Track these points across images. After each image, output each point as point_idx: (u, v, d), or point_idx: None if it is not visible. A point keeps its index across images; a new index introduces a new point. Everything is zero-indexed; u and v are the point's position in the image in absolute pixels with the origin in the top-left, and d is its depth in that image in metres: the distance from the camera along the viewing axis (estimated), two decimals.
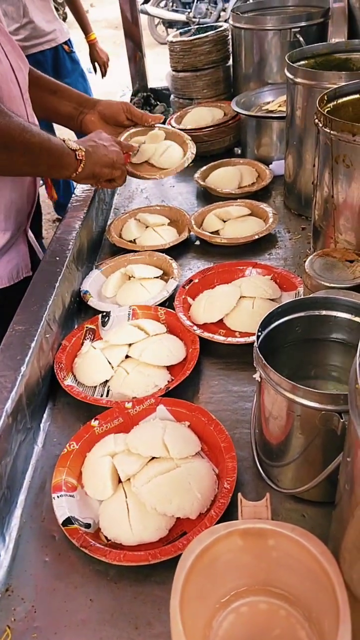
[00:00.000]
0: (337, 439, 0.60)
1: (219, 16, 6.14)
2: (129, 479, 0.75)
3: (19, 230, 1.19)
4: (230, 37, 1.77)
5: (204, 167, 1.53)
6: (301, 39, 1.52)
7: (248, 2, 1.88)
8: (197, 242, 1.32)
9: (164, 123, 1.45)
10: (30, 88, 1.15)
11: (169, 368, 0.96)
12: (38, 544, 0.73)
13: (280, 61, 1.60)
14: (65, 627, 0.64)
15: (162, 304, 1.09)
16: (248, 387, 0.91)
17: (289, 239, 1.28)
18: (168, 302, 1.10)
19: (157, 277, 1.18)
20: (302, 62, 1.31)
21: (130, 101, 2.12)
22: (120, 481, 0.76)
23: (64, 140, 1.08)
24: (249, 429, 0.82)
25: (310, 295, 0.80)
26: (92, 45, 3.21)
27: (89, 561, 0.69)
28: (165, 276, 1.19)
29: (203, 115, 1.71)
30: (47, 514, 0.76)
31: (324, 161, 0.97)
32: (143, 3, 6.74)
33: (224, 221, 1.32)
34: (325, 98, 1.00)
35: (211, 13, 6.28)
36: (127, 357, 0.98)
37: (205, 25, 1.96)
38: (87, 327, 1.05)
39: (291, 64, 1.22)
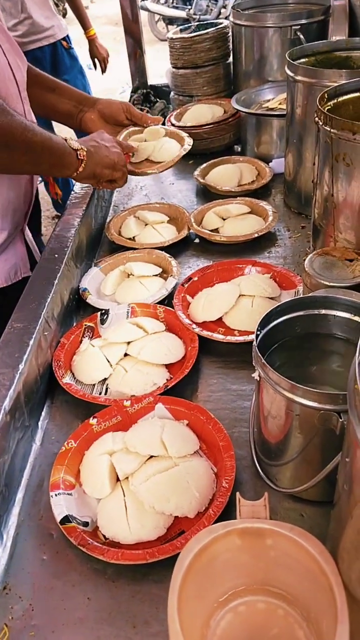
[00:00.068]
0: (336, 438, 0.60)
1: (220, 13, 6.12)
2: (127, 478, 0.75)
3: (16, 229, 1.19)
4: (230, 34, 1.77)
5: (204, 165, 1.52)
6: (302, 36, 1.52)
7: None
8: (197, 240, 1.32)
9: (163, 121, 1.45)
10: (29, 86, 1.15)
11: (168, 366, 0.96)
12: (36, 542, 0.73)
13: (280, 59, 1.60)
14: (63, 626, 0.64)
15: (161, 302, 1.09)
16: (247, 385, 0.91)
17: (289, 237, 1.28)
18: (167, 300, 1.10)
19: (156, 275, 1.18)
20: (302, 60, 1.30)
21: (130, 98, 2.11)
22: (118, 480, 0.76)
23: (65, 140, 1.07)
24: (248, 428, 0.82)
25: (310, 294, 0.79)
26: (92, 41, 3.20)
27: (86, 559, 0.69)
28: (164, 274, 1.19)
29: (203, 113, 1.71)
30: (45, 512, 0.75)
31: (324, 159, 0.96)
32: None
33: (224, 219, 1.32)
34: (326, 96, 1.00)
35: (212, 10, 6.26)
36: (125, 355, 0.98)
37: (205, 22, 1.96)
38: (85, 325, 1.05)
39: (291, 61, 1.22)
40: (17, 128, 0.96)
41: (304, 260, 0.91)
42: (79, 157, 1.09)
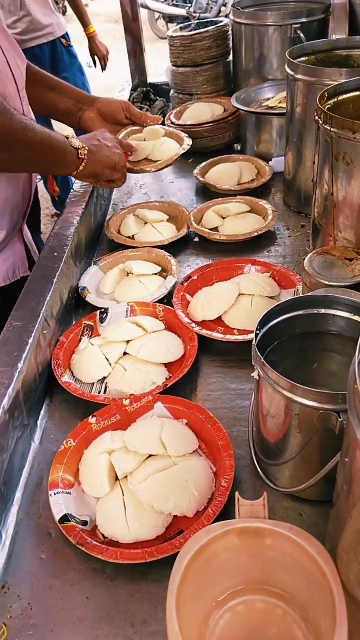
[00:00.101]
0: (335, 438, 0.60)
1: (220, 11, 6.10)
2: (126, 477, 0.75)
3: (15, 229, 1.19)
4: (230, 32, 1.77)
5: (204, 164, 1.52)
6: (302, 35, 1.51)
7: None
8: (196, 239, 1.32)
9: (163, 121, 1.45)
10: (29, 84, 1.15)
11: (167, 365, 0.96)
12: (34, 542, 0.72)
13: (280, 57, 1.59)
14: (62, 625, 0.64)
15: (160, 301, 1.09)
16: (246, 384, 0.91)
17: (289, 236, 1.28)
18: (167, 299, 1.10)
19: (155, 274, 1.18)
20: (302, 59, 1.30)
21: (130, 96, 2.11)
22: (117, 479, 0.76)
23: (67, 138, 1.07)
24: (247, 427, 0.82)
25: (309, 294, 0.79)
26: (92, 39, 3.19)
27: (85, 559, 0.69)
28: (164, 273, 1.19)
29: (203, 111, 1.71)
30: (44, 512, 0.75)
31: (324, 159, 0.96)
32: None
33: (223, 218, 1.31)
34: (326, 95, 1.00)
35: (212, 8, 6.25)
36: (125, 354, 0.98)
37: (205, 21, 1.95)
38: (85, 324, 1.05)
39: (292, 60, 1.21)
40: (17, 128, 0.96)
41: (304, 259, 0.91)
42: (80, 156, 1.09)
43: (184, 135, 1.43)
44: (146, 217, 1.35)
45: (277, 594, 0.57)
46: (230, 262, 1.15)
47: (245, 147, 1.63)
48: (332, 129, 0.91)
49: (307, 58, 1.31)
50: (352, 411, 0.44)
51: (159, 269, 1.19)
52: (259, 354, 0.67)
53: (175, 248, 1.26)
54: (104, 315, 1.06)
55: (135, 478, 0.74)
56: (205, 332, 0.98)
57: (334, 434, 0.61)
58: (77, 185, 1.39)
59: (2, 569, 0.69)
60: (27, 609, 0.65)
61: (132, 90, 2.16)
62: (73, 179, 1.22)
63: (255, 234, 1.22)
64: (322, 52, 1.32)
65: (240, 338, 0.96)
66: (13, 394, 0.79)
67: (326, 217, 1.01)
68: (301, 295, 0.87)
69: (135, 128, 1.39)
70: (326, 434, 0.62)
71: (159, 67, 2.65)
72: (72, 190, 1.38)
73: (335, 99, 1.02)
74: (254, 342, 0.68)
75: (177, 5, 6.83)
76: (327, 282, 0.84)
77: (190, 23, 1.96)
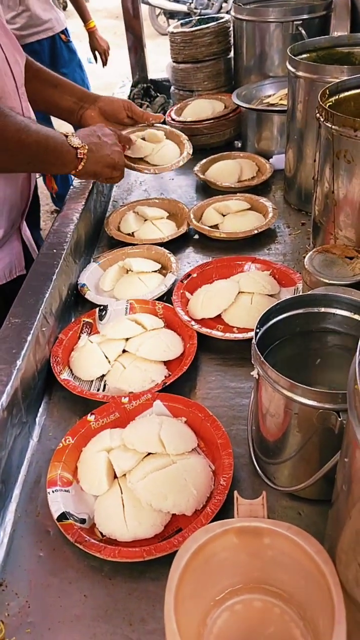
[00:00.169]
0: (335, 437, 0.60)
1: (221, 7, 6.08)
2: (124, 475, 0.75)
3: (13, 227, 1.18)
4: (231, 28, 1.76)
5: (204, 160, 1.52)
6: (303, 31, 1.51)
7: None
8: (196, 236, 1.31)
9: (164, 120, 1.44)
10: (31, 81, 1.14)
11: (166, 363, 0.96)
12: (32, 539, 0.72)
13: (282, 54, 1.59)
14: (59, 623, 0.64)
15: (160, 299, 1.08)
16: (245, 383, 0.91)
17: (289, 234, 1.28)
18: (166, 297, 1.09)
19: (155, 271, 1.18)
20: (304, 56, 1.29)
21: (130, 92, 2.10)
22: (115, 477, 0.76)
23: (66, 136, 1.06)
24: (246, 426, 0.82)
25: (309, 292, 0.79)
26: (92, 34, 3.18)
27: (83, 557, 0.69)
28: (163, 270, 1.18)
29: (203, 108, 1.70)
30: (42, 509, 0.75)
31: (325, 156, 0.96)
32: None
33: (223, 215, 1.31)
34: (327, 92, 0.99)
35: (213, 4, 6.22)
36: (124, 351, 0.97)
37: (206, 17, 1.95)
38: (84, 321, 1.05)
39: (293, 57, 1.21)
40: (10, 130, 0.95)
41: (304, 257, 0.91)
42: (79, 155, 1.08)
43: (184, 137, 1.42)
44: (146, 214, 1.35)
45: (275, 593, 0.57)
46: (230, 260, 1.14)
47: (246, 144, 1.62)
48: (333, 127, 0.90)
49: (308, 55, 1.30)
50: (352, 411, 0.44)
51: (158, 266, 1.19)
52: (258, 352, 0.67)
53: (174, 245, 1.25)
54: (103, 313, 1.06)
55: (133, 476, 0.73)
56: (204, 330, 0.97)
57: (333, 433, 0.61)
58: (76, 181, 1.39)
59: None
60: (24, 607, 0.65)
61: (132, 86, 2.16)
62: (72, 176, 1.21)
63: (255, 231, 1.22)
64: (324, 49, 1.31)
65: (240, 336, 0.95)
66: (11, 391, 0.79)
67: (327, 215, 1.01)
68: (301, 293, 0.87)
69: (135, 128, 1.39)
70: (325, 433, 0.62)
71: (160, 63, 2.64)
72: (71, 187, 1.38)
73: (337, 96, 1.01)
74: (253, 341, 0.68)
75: (177, 1, 6.80)
76: (327, 281, 0.84)
77: (191, 19, 1.95)
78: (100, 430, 0.82)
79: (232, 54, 1.81)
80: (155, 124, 1.42)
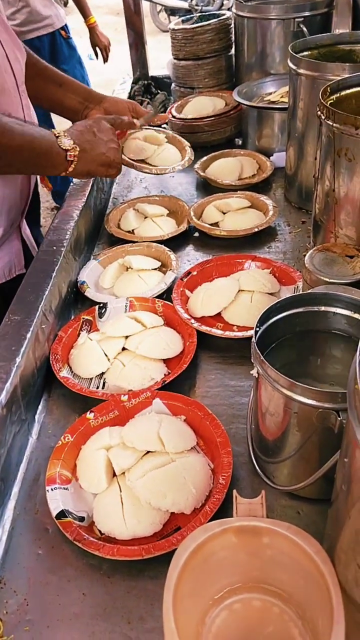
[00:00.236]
0: (334, 436, 0.60)
1: (222, 4, 6.05)
2: (123, 473, 0.75)
3: (12, 226, 1.17)
4: (232, 25, 1.75)
5: (204, 158, 1.51)
6: (305, 29, 1.50)
7: None
8: (196, 234, 1.31)
9: (168, 119, 1.43)
10: (36, 79, 1.13)
11: (166, 361, 0.95)
12: (31, 537, 0.72)
13: (283, 51, 1.58)
14: (58, 621, 0.64)
15: (159, 296, 1.08)
16: (245, 381, 0.91)
17: (289, 232, 1.27)
18: (166, 295, 1.09)
19: (155, 269, 1.17)
20: (305, 53, 1.29)
21: (131, 89, 2.09)
22: (115, 475, 0.76)
23: (57, 136, 1.04)
24: (246, 425, 0.82)
25: (309, 291, 0.79)
26: (92, 29, 3.17)
27: (82, 555, 0.69)
28: (163, 268, 1.18)
29: (204, 105, 1.70)
30: (40, 507, 0.75)
31: (326, 154, 0.96)
32: None
33: (224, 213, 1.31)
34: (329, 90, 0.99)
35: (214, 1, 6.20)
36: (123, 349, 0.97)
37: (207, 14, 1.94)
38: (83, 318, 1.05)
39: (294, 54, 1.20)
40: None
41: (304, 255, 0.91)
42: (68, 158, 1.05)
43: (186, 143, 1.42)
44: (146, 211, 1.34)
45: (274, 593, 0.57)
46: (230, 258, 1.14)
47: (247, 141, 1.62)
48: (334, 125, 0.90)
49: (309, 52, 1.30)
50: (352, 411, 0.44)
51: (158, 263, 1.19)
52: (258, 351, 0.66)
53: (174, 243, 1.25)
54: (103, 310, 1.06)
55: (132, 474, 0.73)
56: (204, 328, 0.97)
57: (332, 432, 0.61)
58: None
59: None
60: (23, 605, 0.65)
61: (133, 83, 2.15)
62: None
63: (256, 229, 1.21)
64: (325, 47, 1.30)
65: (240, 334, 0.95)
66: (11, 389, 0.78)
67: (327, 213, 1.00)
68: (301, 292, 0.87)
69: (137, 130, 1.38)
70: (325, 432, 0.62)
71: (161, 59, 2.63)
72: (71, 184, 1.37)
73: (338, 94, 1.01)
74: (253, 340, 0.68)
75: None
76: (327, 279, 0.84)
77: (192, 16, 1.94)
78: (100, 428, 0.82)
79: (233, 51, 1.80)
80: (157, 129, 1.41)
